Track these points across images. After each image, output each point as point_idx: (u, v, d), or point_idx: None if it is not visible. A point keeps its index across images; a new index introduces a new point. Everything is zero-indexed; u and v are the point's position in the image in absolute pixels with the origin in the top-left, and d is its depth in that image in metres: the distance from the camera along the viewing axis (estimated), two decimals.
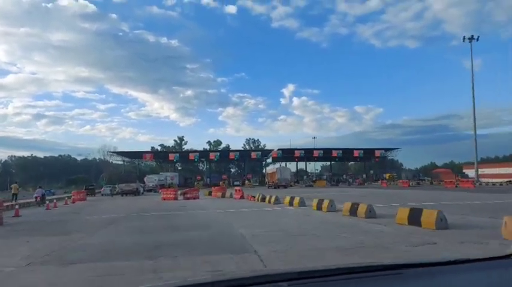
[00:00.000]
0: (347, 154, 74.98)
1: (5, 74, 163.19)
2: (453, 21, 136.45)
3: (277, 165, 63.82)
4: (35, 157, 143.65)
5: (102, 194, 46.39)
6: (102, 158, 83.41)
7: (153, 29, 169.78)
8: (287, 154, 75.44)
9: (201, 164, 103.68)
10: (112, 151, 76.00)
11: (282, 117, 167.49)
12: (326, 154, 74.40)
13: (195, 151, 78.97)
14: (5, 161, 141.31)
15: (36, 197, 29.21)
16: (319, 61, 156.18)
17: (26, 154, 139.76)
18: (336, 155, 74.49)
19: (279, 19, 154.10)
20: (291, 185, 55.01)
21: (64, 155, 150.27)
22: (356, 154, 74.13)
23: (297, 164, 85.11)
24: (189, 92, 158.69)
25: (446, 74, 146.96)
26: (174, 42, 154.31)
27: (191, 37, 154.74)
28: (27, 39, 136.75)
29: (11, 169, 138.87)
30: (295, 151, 75.52)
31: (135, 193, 41.92)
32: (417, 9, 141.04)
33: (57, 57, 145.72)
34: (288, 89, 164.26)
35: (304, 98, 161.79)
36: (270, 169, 53.16)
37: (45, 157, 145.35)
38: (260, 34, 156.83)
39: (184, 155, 77.18)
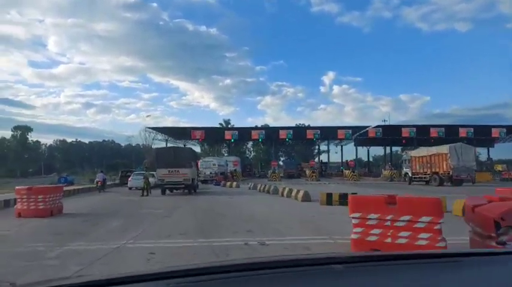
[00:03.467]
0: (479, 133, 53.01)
1: (56, 65, 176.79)
2: (508, 1, 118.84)
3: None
4: (80, 141, 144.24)
5: (129, 188, 29.69)
6: (145, 142, 73.24)
7: (192, 18, 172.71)
8: (387, 134, 55.25)
9: (247, 151, 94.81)
10: (152, 126, 59.78)
11: (321, 106, 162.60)
12: (449, 133, 53.14)
13: (259, 128, 61.02)
14: (50, 145, 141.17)
15: (97, 182, 28.80)
16: (361, 47, 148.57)
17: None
18: (464, 134, 53.00)
19: (318, 3, 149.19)
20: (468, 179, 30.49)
21: (108, 140, 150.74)
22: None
23: (389, 149, 64.47)
24: (228, 81, 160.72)
25: (500, 59, 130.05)
26: (213, 30, 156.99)
27: (230, 25, 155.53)
28: (74, 29, 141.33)
29: (56, 153, 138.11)
30: (403, 129, 54.92)
31: (189, 187, 24.19)
32: None
33: (102, 47, 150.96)
34: (328, 77, 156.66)
35: (345, 86, 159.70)
36: (421, 150, 32.72)
37: (89, 142, 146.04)
38: (299, 20, 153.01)
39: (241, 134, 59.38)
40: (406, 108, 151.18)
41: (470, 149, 30.24)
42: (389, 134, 57.02)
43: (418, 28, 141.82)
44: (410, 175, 32.19)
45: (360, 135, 57.76)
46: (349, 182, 43.09)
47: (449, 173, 29.47)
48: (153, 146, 69.58)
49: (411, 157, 32.29)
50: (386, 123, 59.65)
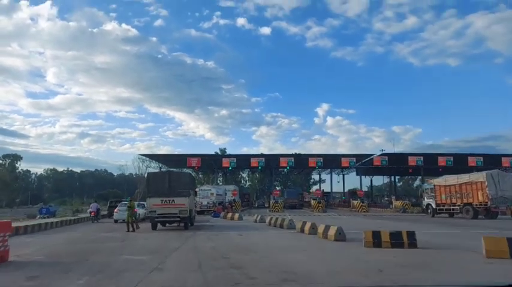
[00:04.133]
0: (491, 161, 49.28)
1: (53, 95, 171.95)
2: (496, 39, 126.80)
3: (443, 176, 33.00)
4: (71, 170, 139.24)
5: (115, 220, 25.34)
6: (138, 172, 69.12)
7: (190, 51, 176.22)
8: (393, 163, 51.48)
9: (242, 180, 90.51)
10: (144, 153, 55.32)
11: (316, 137, 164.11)
12: (458, 162, 49.42)
13: (258, 155, 56.82)
14: (40, 174, 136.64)
15: (91, 213, 27.86)
16: (355, 80, 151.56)
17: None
18: (474, 163, 49.26)
19: (313, 39, 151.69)
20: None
21: (100, 169, 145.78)
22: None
23: (392, 179, 60.36)
24: (223, 112, 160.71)
25: (490, 93, 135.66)
26: (210, 63, 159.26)
27: (226, 58, 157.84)
28: (73, 62, 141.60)
29: (45, 182, 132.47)
30: (409, 158, 51.17)
31: (186, 220, 19.65)
32: (458, 27, 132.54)
33: (100, 79, 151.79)
34: (322, 109, 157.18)
35: (338, 117, 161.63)
36: (449, 178, 28.33)
37: (81, 171, 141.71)
38: (294, 54, 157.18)
39: (239, 161, 55.17)
40: (399, 139, 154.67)
41: (509, 178, 26.19)
42: (395, 163, 53.26)
43: (410, 63, 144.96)
44: (434, 206, 27.89)
45: (363, 164, 53.94)
46: (359, 213, 38.71)
47: (485, 204, 25.27)
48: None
49: (435, 185, 28.06)
50: (385, 152, 55.93)
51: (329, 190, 64.67)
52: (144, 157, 56.49)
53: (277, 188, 50.28)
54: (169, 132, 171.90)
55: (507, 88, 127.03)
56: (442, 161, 51.38)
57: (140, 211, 27.30)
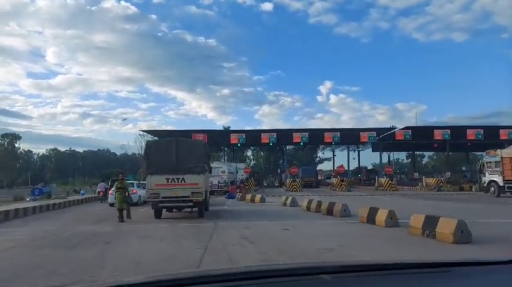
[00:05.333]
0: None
1: (54, 75, 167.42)
2: (503, 13, 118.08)
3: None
4: (73, 150, 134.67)
5: (110, 204, 19.69)
6: (140, 151, 64.31)
7: (191, 29, 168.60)
8: (417, 138, 45.73)
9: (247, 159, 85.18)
10: (146, 129, 49.77)
11: (318, 115, 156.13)
12: (488, 135, 43.63)
13: (270, 131, 50.97)
14: (43, 154, 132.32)
15: (99, 192, 26.05)
16: (359, 57, 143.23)
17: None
18: (506, 136, 43.41)
19: (316, 15, 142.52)
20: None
21: (103, 149, 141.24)
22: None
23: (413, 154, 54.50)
24: (225, 91, 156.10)
25: (496, 68, 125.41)
26: (211, 41, 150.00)
27: (228, 36, 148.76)
28: (73, 41, 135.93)
29: (48, 162, 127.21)
30: (435, 131, 45.36)
31: (200, 206, 14.09)
32: (464, 1, 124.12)
33: (100, 58, 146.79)
34: (325, 87, 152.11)
35: (342, 95, 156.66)
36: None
37: (83, 151, 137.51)
38: (297, 31, 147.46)
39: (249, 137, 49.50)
40: (403, 116, 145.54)
41: None
42: (419, 138, 47.48)
43: (415, 38, 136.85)
44: (501, 183, 22.24)
45: (383, 139, 48.09)
46: (387, 192, 33.37)
47: None
48: None
49: (502, 158, 22.22)
50: (409, 125, 50.01)
51: (349, 168, 58.88)
52: (145, 133, 50.81)
53: (296, 167, 44.76)
54: (171, 112, 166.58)
55: None
56: (471, 135, 45.55)
57: (141, 193, 21.85)
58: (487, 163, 23.70)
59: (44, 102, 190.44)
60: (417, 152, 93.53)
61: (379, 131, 47.78)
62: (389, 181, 35.81)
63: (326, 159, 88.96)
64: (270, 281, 1.23)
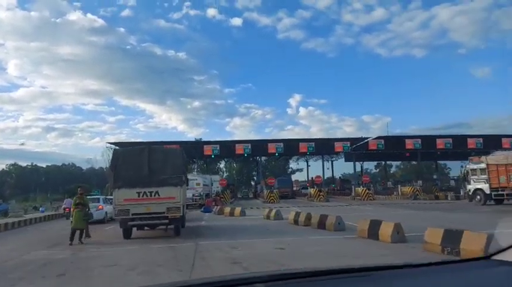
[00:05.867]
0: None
1: (16, 88, 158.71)
2: (460, 30, 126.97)
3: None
4: (36, 165, 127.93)
5: (68, 217, 16.30)
6: (108, 165, 60.71)
7: (160, 42, 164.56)
8: (389, 147, 45.85)
9: (219, 171, 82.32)
10: (113, 142, 46.95)
11: (289, 127, 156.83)
12: (457, 144, 44.32)
13: (244, 141, 49.37)
14: (3, 169, 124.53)
15: (65, 209, 22.38)
16: (326, 71, 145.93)
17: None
18: (474, 145, 44.21)
19: (284, 30, 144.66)
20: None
21: (68, 164, 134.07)
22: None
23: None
24: (196, 103, 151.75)
25: (454, 82, 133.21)
26: (181, 54, 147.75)
27: (198, 49, 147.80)
28: (37, 53, 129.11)
29: (8, 178, 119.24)
30: (406, 141, 45.61)
31: (177, 222, 12.11)
32: (423, 19, 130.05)
33: (66, 71, 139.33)
34: (294, 99, 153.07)
35: (310, 108, 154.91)
36: (503, 154, 21.93)
37: (47, 165, 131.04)
38: (266, 45, 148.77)
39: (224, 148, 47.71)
40: (369, 128, 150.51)
41: None
42: (391, 147, 47.58)
43: (378, 53, 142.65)
44: (487, 191, 21.39)
45: (356, 148, 47.77)
46: (365, 201, 32.55)
47: None
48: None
49: (488, 165, 21.43)
50: (382, 135, 50.13)
51: (324, 177, 58.13)
52: (113, 146, 47.78)
53: (273, 178, 43.26)
54: (140, 125, 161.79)
55: (470, 77, 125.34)
56: (440, 144, 46.17)
57: (107, 209, 19.51)
58: (471, 170, 23.11)
59: (5, 115, 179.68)
60: (382, 162, 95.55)
61: (352, 141, 47.48)
62: (367, 190, 35.08)
63: (298, 170, 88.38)
64: None
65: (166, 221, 11.76)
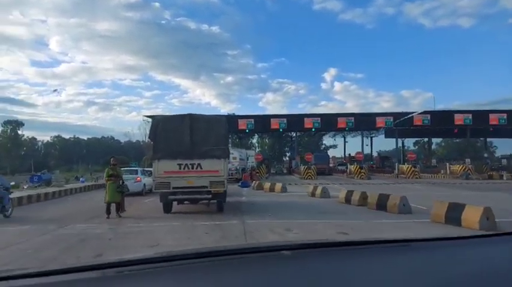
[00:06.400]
0: None
1: (58, 64, 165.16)
2: None
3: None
4: (78, 138, 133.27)
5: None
6: (145, 138, 62.30)
7: (194, 16, 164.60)
8: (433, 123, 42.48)
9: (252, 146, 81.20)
10: (150, 115, 46.81)
11: (323, 102, 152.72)
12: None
13: (280, 116, 47.76)
14: (47, 141, 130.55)
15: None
16: (363, 44, 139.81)
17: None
18: None
19: (320, 1, 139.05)
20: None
21: (107, 136, 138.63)
22: None
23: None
24: (229, 78, 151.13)
25: (503, 55, 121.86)
26: (214, 28, 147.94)
27: (232, 23, 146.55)
28: (76, 29, 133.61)
29: (52, 150, 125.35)
30: (455, 116, 42.02)
31: (220, 198, 11.05)
32: None
33: (104, 46, 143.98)
34: (329, 74, 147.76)
35: (346, 82, 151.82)
36: None
37: (88, 138, 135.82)
38: (301, 18, 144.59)
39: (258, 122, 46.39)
40: (408, 104, 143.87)
41: None
42: (438, 123, 44.16)
43: (421, 24, 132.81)
44: None
45: (399, 124, 44.74)
46: (411, 180, 30.38)
47: None
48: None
49: None
50: (428, 110, 46.46)
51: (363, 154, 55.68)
52: (150, 119, 47.89)
53: (310, 153, 41.69)
54: (175, 100, 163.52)
55: None
56: (494, 120, 42.22)
57: (146, 181, 18.93)
58: None
59: (49, 90, 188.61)
60: (424, 139, 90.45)
61: (395, 115, 44.47)
62: (413, 168, 32.73)
63: (332, 146, 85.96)
64: (229, 258, 1.22)
65: (209, 196, 10.66)
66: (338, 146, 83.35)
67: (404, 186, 23.03)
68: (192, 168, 10.48)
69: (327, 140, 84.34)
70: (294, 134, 56.13)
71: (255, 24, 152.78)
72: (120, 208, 10.71)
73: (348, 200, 13.04)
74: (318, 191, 15.72)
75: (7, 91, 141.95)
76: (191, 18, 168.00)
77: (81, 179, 29.95)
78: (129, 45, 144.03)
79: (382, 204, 11.10)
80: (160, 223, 9.52)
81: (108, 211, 10.37)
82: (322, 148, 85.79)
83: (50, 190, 19.14)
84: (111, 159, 11.72)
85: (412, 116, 43.31)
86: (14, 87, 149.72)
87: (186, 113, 10.86)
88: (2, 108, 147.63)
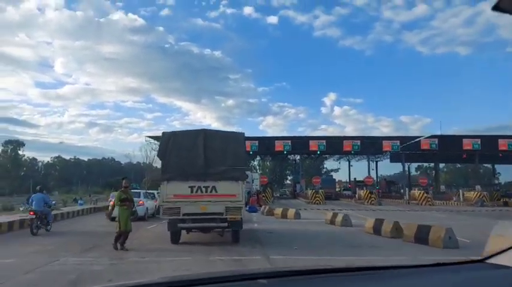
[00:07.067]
0: None
1: (62, 85, 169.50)
2: (508, 27, 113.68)
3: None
4: (78, 159, 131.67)
5: (111, 218, 11.94)
6: (145, 160, 61.14)
7: (197, 41, 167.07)
8: (443, 148, 41.23)
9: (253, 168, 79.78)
10: (152, 135, 45.61)
11: (323, 126, 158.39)
12: None
13: (284, 138, 46.52)
14: (47, 162, 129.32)
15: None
16: (363, 69, 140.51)
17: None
18: None
19: (321, 28, 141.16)
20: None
21: (108, 158, 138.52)
22: None
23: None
24: (230, 102, 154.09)
25: (499, 82, 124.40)
26: (217, 53, 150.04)
27: (234, 48, 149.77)
28: (81, 52, 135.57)
29: (52, 170, 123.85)
30: (464, 141, 40.76)
31: (236, 226, 9.34)
32: (468, 15, 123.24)
33: (108, 69, 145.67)
34: (329, 98, 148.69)
35: (346, 107, 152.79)
36: None
37: (88, 159, 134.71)
38: (302, 43, 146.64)
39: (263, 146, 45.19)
40: (407, 129, 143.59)
41: None
42: (445, 148, 42.87)
43: (419, 52, 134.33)
44: None
45: (406, 148, 43.45)
46: (424, 206, 28.72)
47: None
48: (154, 164, 55.72)
49: None
50: (435, 134, 45.28)
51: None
52: (152, 140, 46.58)
53: (318, 177, 40.01)
54: (176, 122, 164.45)
55: None
56: (503, 145, 40.99)
57: (148, 204, 17.39)
58: None
59: (51, 111, 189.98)
60: (426, 164, 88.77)
61: (401, 139, 43.26)
62: (425, 194, 31.13)
63: (333, 170, 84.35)
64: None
65: (225, 224, 9.13)
66: (339, 170, 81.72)
67: (423, 214, 21.42)
68: (206, 191, 9.04)
69: (329, 164, 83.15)
70: (297, 157, 54.90)
71: (257, 49, 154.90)
72: (127, 238, 9.09)
73: (377, 230, 11.48)
74: (338, 218, 14.14)
75: (10, 111, 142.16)
76: (194, 43, 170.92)
77: (79, 201, 28.20)
78: (133, 68, 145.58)
79: (422, 236, 9.56)
80: (169, 257, 7.96)
81: (117, 241, 8.80)
82: (323, 172, 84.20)
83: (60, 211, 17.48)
84: (123, 181, 9.89)
85: (420, 140, 42.15)
86: (17, 108, 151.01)
87: (200, 129, 9.50)
88: (4, 128, 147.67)
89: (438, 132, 43.05)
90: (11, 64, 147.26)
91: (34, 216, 12.08)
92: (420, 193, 31.51)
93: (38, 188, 13.97)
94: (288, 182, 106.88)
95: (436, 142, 41.58)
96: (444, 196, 37.66)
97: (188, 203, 8.98)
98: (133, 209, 9.62)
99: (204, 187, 9.03)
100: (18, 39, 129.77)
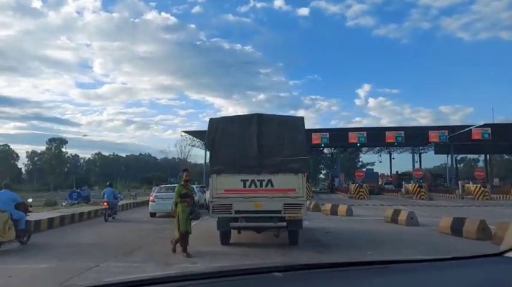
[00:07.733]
0: None
1: (100, 85, 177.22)
2: None
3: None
4: (117, 155, 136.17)
5: (151, 214, 15.38)
6: (180, 156, 61.78)
7: (228, 36, 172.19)
8: (497, 137, 37.57)
9: None
10: (188, 131, 45.20)
11: (357, 119, 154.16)
12: None
13: (322, 130, 44.49)
14: (89, 159, 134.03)
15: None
16: (398, 59, 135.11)
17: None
18: None
19: (354, 17, 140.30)
20: None
21: (144, 154, 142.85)
22: None
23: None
24: (261, 96, 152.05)
25: None
26: (248, 48, 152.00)
27: (264, 42, 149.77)
28: (118, 52, 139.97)
29: (93, 166, 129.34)
30: None
31: (296, 226, 7.96)
32: None
33: (143, 68, 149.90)
34: (363, 90, 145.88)
35: (381, 98, 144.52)
36: None
37: (126, 155, 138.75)
38: (334, 34, 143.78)
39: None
40: (447, 119, 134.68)
41: None
42: (498, 137, 39.13)
43: (459, 38, 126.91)
44: None
45: (453, 139, 40.07)
46: (481, 201, 25.99)
47: None
48: (189, 160, 55.65)
49: None
50: (488, 123, 41.43)
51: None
52: (188, 135, 46.25)
53: (360, 170, 37.65)
54: (208, 118, 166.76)
55: None
56: None
57: (199, 197, 16.56)
58: None
59: (91, 110, 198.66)
60: (469, 156, 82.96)
61: (450, 129, 39.99)
62: (482, 188, 28.25)
63: (369, 163, 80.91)
64: (220, 280, 1.24)
65: (284, 224, 7.78)
66: (376, 163, 78.34)
67: (491, 209, 19.06)
68: (261, 186, 7.72)
69: (365, 157, 79.86)
70: (335, 150, 52.63)
71: (288, 42, 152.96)
72: (174, 244, 7.66)
73: (456, 230, 9.69)
74: (402, 216, 12.37)
75: (53, 111, 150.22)
76: (225, 39, 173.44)
77: (119, 196, 28.06)
78: (166, 66, 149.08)
79: None
80: (222, 261, 6.75)
81: (177, 243, 7.54)
82: (358, 165, 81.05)
83: (84, 210, 16.98)
84: (184, 173, 8.32)
85: (470, 130, 38.81)
86: (60, 108, 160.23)
87: (253, 113, 8.16)
88: (49, 127, 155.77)
89: (481, 122, 39.41)
90: (53, 66, 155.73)
91: (107, 206, 14.24)
92: (477, 186, 28.63)
93: (108, 183, 16.34)
94: (322, 176, 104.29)
95: (489, 131, 38.03)
96: (500, 189, 34.25)
97: (241, 199, 7.71)
98: (195, 208, 8.06)
99: (258, 180, 7.71)
100: (60, 42, 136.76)
